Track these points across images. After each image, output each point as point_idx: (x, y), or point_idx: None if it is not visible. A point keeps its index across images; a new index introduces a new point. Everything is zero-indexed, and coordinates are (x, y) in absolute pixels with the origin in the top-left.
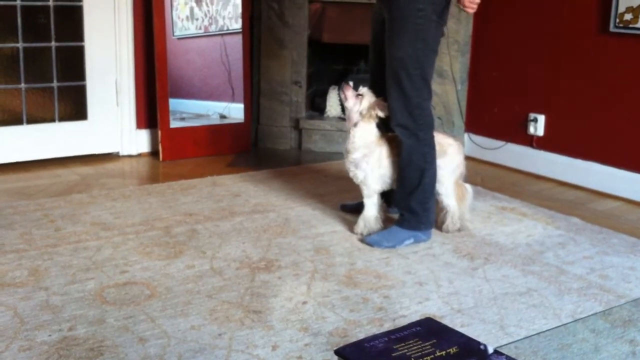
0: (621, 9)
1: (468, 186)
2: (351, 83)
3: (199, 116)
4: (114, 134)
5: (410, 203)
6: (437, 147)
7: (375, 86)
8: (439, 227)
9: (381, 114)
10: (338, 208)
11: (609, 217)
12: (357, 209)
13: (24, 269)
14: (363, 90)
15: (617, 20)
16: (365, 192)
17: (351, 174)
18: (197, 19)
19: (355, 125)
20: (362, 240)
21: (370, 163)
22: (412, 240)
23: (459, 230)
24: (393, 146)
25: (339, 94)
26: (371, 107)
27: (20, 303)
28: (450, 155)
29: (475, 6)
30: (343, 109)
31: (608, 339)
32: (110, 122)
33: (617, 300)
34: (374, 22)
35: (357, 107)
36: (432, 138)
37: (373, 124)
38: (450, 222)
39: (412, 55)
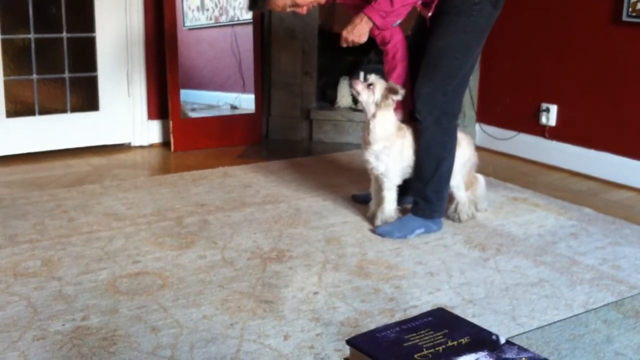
0: None
1: (480, 176)
2: (362, 75)
3: (209, 107)
4: (126, 125)
5: (426, 191)
6: None
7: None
8: (451, 217)
9: (397, 97)
10: (349, 199)
11: (622, 207)
12: (367, 199)
13: (37, 259)
14: (372, 78)
15: (630, 9)
16: (387, 184)
17: (370, 166)
18: (207, 10)
19: (373, 116)
20: (373, 230)
21: (391, 155)
22: (422, 230)
23: (470, 218)
24: (417, 136)
25: (350, 90)
26: (385, 95)
27: (33, 293)
28: (462, 149)
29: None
30: (354, 100)
31: (620, 329)
32: (122, 113)
33: (629, 291)
34: (412, 36)
35: (372, 98)
36: (454, 128)
37: (392, 113)
38: (462, 210)
39: (455, 44)
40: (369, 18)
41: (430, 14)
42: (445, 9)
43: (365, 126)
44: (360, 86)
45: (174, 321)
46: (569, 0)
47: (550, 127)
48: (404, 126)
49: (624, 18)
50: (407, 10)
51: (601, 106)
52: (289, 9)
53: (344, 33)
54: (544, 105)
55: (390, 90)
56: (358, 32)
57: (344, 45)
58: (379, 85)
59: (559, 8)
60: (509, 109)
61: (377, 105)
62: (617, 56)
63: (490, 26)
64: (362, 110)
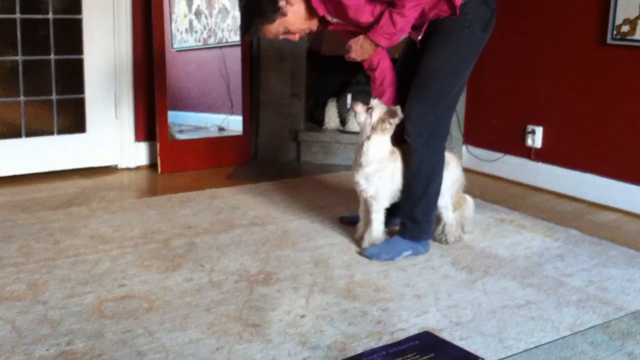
0: (618, 21)
1: (468, 197)
2: (349, 98)
3: (197, 128)
4: (113, 147)
5: (414, 213)
6: None
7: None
8: (438, 239)
9: (395, 121)
10: (337, 220)
11: (608, 229)
12: (354, 221)
13: (22, 283)
14: (373, 102)
15: (615, 32)
16: (375, 207)
17: (360, 188)
18: (196, 32)
19: (368, 138)
20: (361, 252)
21: (382, 178)
22: (410, 252)
23: (457, 240)
24: (405, 159)
25: (348, 110)
26: (382, 118)
27: (18, 317)
28: (451, 169)
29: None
30: (342, 121)
31: (607, 351)
32: (109, 134)
33: (615, 313)
34: (402, 59)
35: (369, 120)
36: (443, 150)
37: (387, 137)
38: (449, 232)
39: (446, 66)
40: (372, 41)
41: (420, 37)
42: (437, 30)
43: (358, 148)
44: (359, 107)
45: (160, 345)
46: (555, 24)
47: (536, 149)
48: (396, 150)
49: (609, 40)
50: (409, 26)
51: (587, 128)
52: (281, 37)
53: (351, 42)
54: (530, 127)
55: (389, 115)
56: (364, 50)
57: (348, 54)
58: (378, 109)
59: (545, 31)
60: (495, 131)
61: (373, 128)
62: (603, 78)
63: (481, 49)
64: (349, 132)
